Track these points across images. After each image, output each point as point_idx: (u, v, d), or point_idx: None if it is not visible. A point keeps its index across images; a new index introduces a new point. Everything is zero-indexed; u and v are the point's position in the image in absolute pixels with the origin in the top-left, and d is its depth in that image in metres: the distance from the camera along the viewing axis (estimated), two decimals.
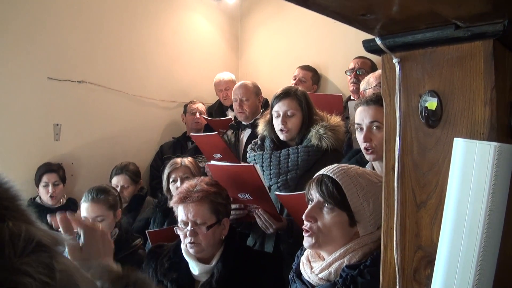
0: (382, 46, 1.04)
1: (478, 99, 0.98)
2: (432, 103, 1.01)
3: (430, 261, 1.01)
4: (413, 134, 1.04)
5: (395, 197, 1.05)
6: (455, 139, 0.95)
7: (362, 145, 2.25)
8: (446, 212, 0.94)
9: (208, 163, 2.82)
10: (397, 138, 1.05)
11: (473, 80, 0.99)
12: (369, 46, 1.08)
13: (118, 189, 3.77)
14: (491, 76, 0.97)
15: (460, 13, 0.93)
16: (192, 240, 2.11)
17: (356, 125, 2.29)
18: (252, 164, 2.57)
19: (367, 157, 2.27)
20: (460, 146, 0.93)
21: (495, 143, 0.89)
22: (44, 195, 3.72)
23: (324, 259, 1.64)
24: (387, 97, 1.08)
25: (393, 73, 1.07)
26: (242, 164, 2.77)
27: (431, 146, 1.02)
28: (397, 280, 1.05)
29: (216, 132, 3.53)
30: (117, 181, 3.88)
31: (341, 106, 3.52)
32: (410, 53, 1.05)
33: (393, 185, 1.06)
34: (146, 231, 2.98)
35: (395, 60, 1.06)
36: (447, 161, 0.98)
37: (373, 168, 2.33)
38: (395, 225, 1.05)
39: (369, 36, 1.08)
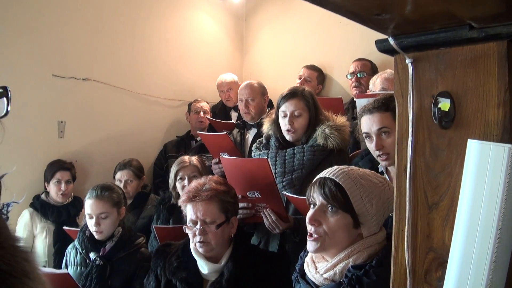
0: (395, 46, 1.04)
1: (491, 101, 0.97)
2: (445, 104, 1.00)
3: (441, 263, 1.01)
4: (425, 135, 1.04)
5: (407, 198, 1.05)
6: (469, 140, 0.94)
7: (375, 153, 2.25)
8: (460, 214, 0.93)
9: (222, 157, 2.81)
10: (410, 139, 1.04)
11: (487, 81, 0.98)
12: (382, 46, 1.07)
13: (122, 184, 3.81)
14: (504, 78, 0.96)
15: (475, 14, 0.92)
16: (202, 239, 2.12)
17: (364, 134, 2.28)
18: (266, 158, 2.55)
19: (383, 163, 2.28)
20: (474, 147, 0.92)
21: (510, 145, 0.88)
22: (55, 192, 3.71)
23: (328, 261, 1.64)
24: (399, 98, 1.07)
25: (405, 74, 1.06)
26: (255, 158, 2.76)
27: (443, 147, 1.02)
28: (408, 281, 1.05)
29: (225, 132, 3.52)
30: (120, 176, 3.88)
31: (342, 108, 3.51)
32: (423, 53, 1.04)
33: (405, 186, 1.05)
34: (153, 226, 2.98)
35: (408, 61, 1.05)
36: (460, 163, 0.98)
37: (386, 170, 2.33)
38: (406, 227, 1.05)
39: (377, 36, 1.07)
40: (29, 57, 3.81)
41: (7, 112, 0.70)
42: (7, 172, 0.67)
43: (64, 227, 3.20)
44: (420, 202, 1.04)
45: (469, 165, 0.92)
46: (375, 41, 1.08)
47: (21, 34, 3.77)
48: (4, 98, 0.70)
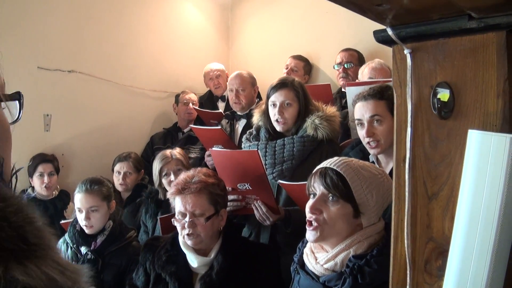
0: (393, 37, 1.03)
1: (490, 91, 0.97)
2: (444, 95, 1.00)
3: (441, 252, 1.01)
4: (424, 126, 1.04)
5: (406, 189, 1.05)
6: (469, 131, 0.94)
7: (365, 140, 2.26)
8: (461, 204, 0.93)
9: (211, 149, 2.80)
10: (409, 129, 1.04)
11: (486, 71, 0.98)
12: (380, 36, 1.06)
13: (121, 175, 3.79)
14: (504, 68, 0.96)
15: (475, 4, 0.92)
16: (191, 232, 2.11)
17: (356, 121, 2.30)
18: (256, 150, 2.55)
19: (371, 151, 2.28)
20: (475, 138, 0.92)
21: (511, 135, 0.88)
22: (39, 185, 3.68)
23: (327, 251, 1.65)
24: (398, 88, 1.07)
25: (404, 64, 1.06)
26: (245, 149, 2.75)
27: (443, 138, 1.02)
28: (407, 271, 1.05)
29: (220, 127, 3.51)
30: (120, 168, 3.85)
31: (330, 95, 3.54)
32: (422, 44, 1.04)
33: (404, 177, 1.05)
34: (158, 217, 2.94)
35: (406, 51, 1.04)
36: (459, 153, 0.98)
37: (377, 160, 2.34)
38: (406, 217, 1.05)
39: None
40: (13, 50, 3.73)
41: (18, 117, 0.70)
42: (22, 167, 0.68)
43: (62, 222, 3.18)
44: (419, 192, 1.04)
45: (470, 155, 0.93)
46: (373, 32, 1.07)
47: (5, 26, 3.69)
48: (17, 102, 0.70)
